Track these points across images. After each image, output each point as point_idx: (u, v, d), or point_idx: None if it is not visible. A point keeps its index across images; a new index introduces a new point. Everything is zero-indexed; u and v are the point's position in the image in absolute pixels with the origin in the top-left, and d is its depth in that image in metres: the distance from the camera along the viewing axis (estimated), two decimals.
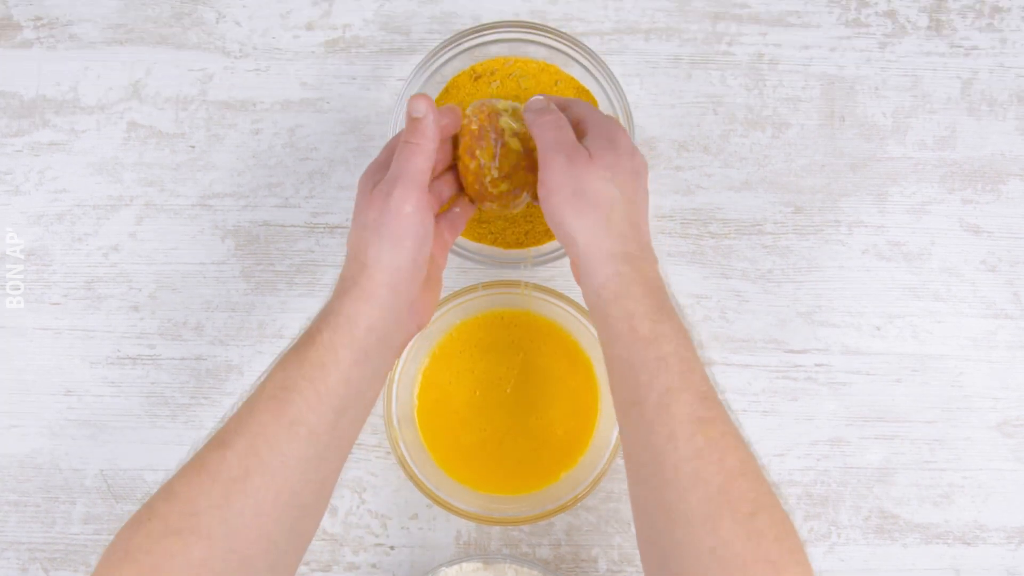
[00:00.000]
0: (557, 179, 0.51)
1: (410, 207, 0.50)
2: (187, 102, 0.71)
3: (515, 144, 0.56)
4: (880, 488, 0.68)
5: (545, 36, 0.63)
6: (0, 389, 0.69)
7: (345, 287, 0.51)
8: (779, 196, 0.70)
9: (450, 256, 0.65)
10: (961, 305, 0.70)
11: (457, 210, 0.58)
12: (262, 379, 0.50)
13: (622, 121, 0.63)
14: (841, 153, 0.70)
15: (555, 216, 0.52)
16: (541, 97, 0.56)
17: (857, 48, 0.71)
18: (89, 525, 0.68)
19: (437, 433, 0.67)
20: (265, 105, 0.71)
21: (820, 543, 0.68)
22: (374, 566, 0.68)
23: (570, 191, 0.51)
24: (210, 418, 0.69)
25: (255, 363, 0.69)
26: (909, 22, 0.71)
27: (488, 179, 0.56)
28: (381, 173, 0.53)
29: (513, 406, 0.66)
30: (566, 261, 0.68)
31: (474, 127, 0.56)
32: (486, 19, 0.70)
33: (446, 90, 0.66)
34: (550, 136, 0.53)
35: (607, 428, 0.65)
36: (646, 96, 0.70)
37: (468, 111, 0.57)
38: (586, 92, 0.66)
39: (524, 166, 0.56)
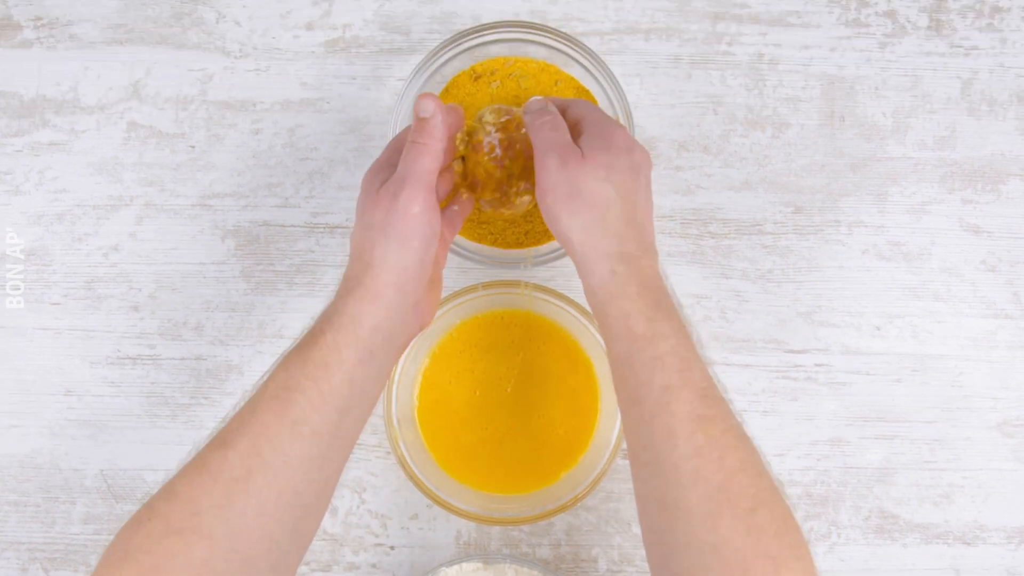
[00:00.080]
0: (551, 180, 0.51)
1: (418, 207, 0.50)
2: (187, 102, 0.71)
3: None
4: (880, 488, 0.68)
5: (545, 36, 0.63)
6: (0, 389, 0.69)
7: (349, 287, 0.51)
8: (779, 196, 0.70)
9: (450, 256, 0.65)
10: (961, 305, 0.70)
11: (455, 208, 0.59)
12: (264, 379, 0.50)
13: (622, 121, 0.63)
14: (841, 153, 0.70)
15: (551, 217, 0.52)
16: (539, 98, 0.57)
17: (857, 48, 0.71)
18: (89, 525, 0.68)
19: (437, 433, 0.67)
20: (265, 105, 0.71)
21: (820, 543, 0.68)
22: (374, 566, 0.68)
23: (564, 192, 0.51)
24: (210, 418, 0.69)
25: (255, 363, 0.69)
26: (909, 22, 0.71)
27: (514, 189, 0.57)
28: (385, 172, 0.53)
29: (513, 406, 0.66)
30: (566, 261, 0.68)
31: (502, 137, 0.56)
32: (486, 19, 0.70)
33: (446, 90, 0.66)
34: (544, 137, 0.53)
35: (607, 428, 0.65)
36: (646, 96, 0.70)
37: (487, 117, 0.57)
38: (586, 92, 0.66)
39: None
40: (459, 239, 0.65)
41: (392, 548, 0.68)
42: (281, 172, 0.70)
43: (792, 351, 0.69)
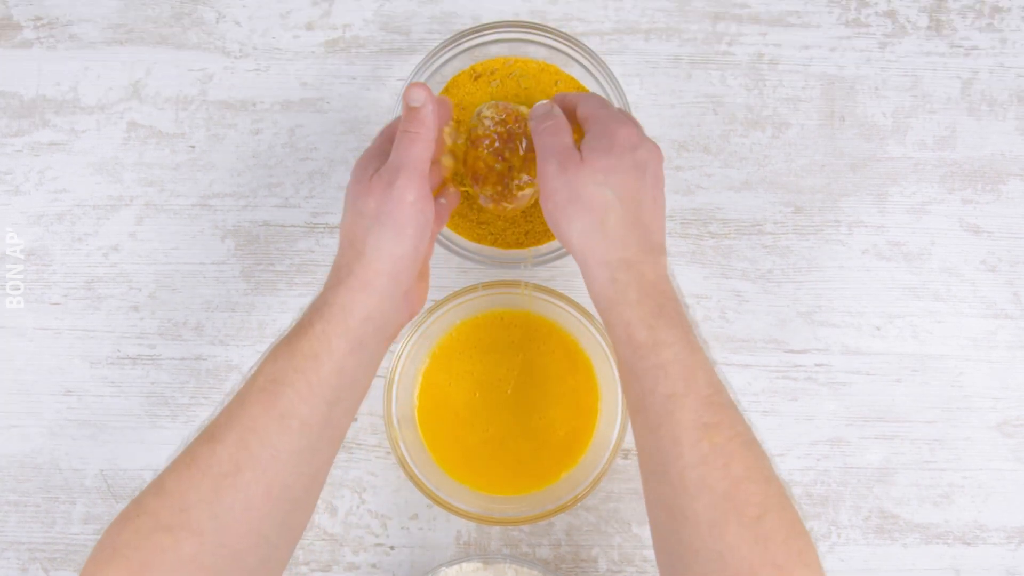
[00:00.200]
0: (550, 185, 0.51)
1: (412, 195, 0.50)
2: (187, 102, 0.71)
3: None
4: (880, 488, 0.68)
5: (545, 36, 0.63)
6: (0, 389, 0.69)
7: (340, 277, 0.51)
8: (779, 196, 0.70)
9: (450, 256, 0.66)
10: (961, 305, 0.70)
11: (443, 201, 0.59)
12: (252, 371, 0.49)
13: None
14: (841, 153, 0.70)
15: (551, 222, 0.52)
16: (545, 102, 0.57)
17: (857, 48, 0.71)
18: (89, 525, 0.68)
19: (437, 433, 0.67)
20: (265, 105, 0.71)
21: (820, 543, 0.68)
22: (374, 566, 0.68)
23: (564, 197, 0.50)
24: (210, 418, 0.69)
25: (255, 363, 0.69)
26: (909, 22, 0.71)
27: (516, 182, 0.57)
28: (377, 161, 0.53)
29: (513, 406, 0.66)
30: (566, 261, 0.68)
31: (501, 130, 0.57)
32: (486, 19, 0.70)
33: (446, 90, 0.66)
34: (545, 142, 0.53)
35: (607, 428, 0.65)
36: (646, 96, 0.70)
37: (486, 112, 0.58)
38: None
39: None
40: (459, 239, 0.65)
41: (392, 548, 0.68)
42: (281, 172, 0.70)
43: (792, 351, 0.69)
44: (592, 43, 0.70)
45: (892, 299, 0.69)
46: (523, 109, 0.59)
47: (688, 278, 0.69)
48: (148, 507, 0.45)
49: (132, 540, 0.44)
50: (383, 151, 0.54)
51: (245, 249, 0.70)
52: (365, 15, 0.71)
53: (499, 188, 0.58)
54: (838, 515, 0.68)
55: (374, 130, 0.70)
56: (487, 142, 0.57)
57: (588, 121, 0.54)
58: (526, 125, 0.58)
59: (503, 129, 0.57)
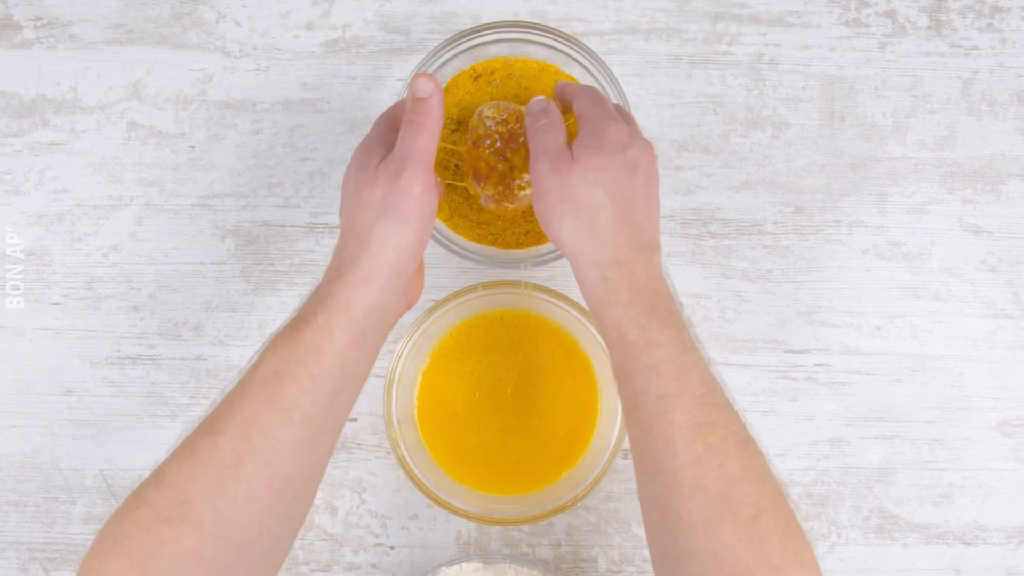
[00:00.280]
0: (543, 185, 0.51)
1: (419, 187, 0.50)
2: (187, 102, 0.71)
3: None
4: (880, 488, 0.68)
5: (545, 36, 0.63)
6: (0, 389, 0.69)
7: (343, 269, 0.50)
8: (779, 196, 0.70)
9: (450, 256, 0.66)
10: (961, 305, 0.70)
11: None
12: (252, 362, 0.49)
13: None
14: (841, 153, 0.70)
15: (543, 222, 0.52)
16: (541, 98, 0.56)
17: (857, 48, 0.71)
18: (89, 525, 0.68)
19: (437, 433, 0.67)
20: (265, 105, 0.71)
21: (820, 543, 0.68)
22: (374, 566, 0.68)
23: (555, 197, 0.50)
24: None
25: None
26: (909, 22, 0.71)
27: (517, 181, 0.57)
28: (381, 149, 0.53)
29: (513, 406, 0.66)
30: (566, 261, 0.68)
31: (502, 130, 0.57)
32: (486, 19, 0.70)
33: (446, 90, 0.66)
34: (539, 141, 0.52)
35: (607, 428, 0.65)
36: (646, 96, 0.70)
37: (487, 112, 0.58)
38: None
39: None
40: (459, 239, 0.65)
41: (392, 548, 0.68)
42: (281, 172, 0.70)
43: (792, 351, 0.69)
44: (592, 43, 0.70)
45: (892, 299, 0.69)
46: (524, 109, 0.59)
47: (688, 278, 0.69)
48: (148, 499, 0.45)
49: (133, 532, 0.44)
50: (384, 140, 0.53)
51: (245, 249, 0.70)
52: (365, 15, 0.71)
53: (501, 188, 0.58)
54: (838, 515, 0.68)
55: None
56: (488, 142, 0.57)
57: (581, 119, 0.54)
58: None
59: (504, 129, 0.57)
